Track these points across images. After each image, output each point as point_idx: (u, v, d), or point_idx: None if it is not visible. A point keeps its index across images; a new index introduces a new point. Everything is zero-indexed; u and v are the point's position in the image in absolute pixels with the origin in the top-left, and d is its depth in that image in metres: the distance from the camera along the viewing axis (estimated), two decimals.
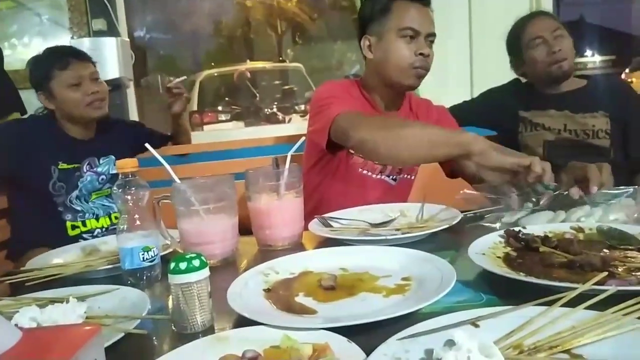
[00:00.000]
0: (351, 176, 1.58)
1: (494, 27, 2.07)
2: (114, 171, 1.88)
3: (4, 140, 1.83)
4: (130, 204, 1.04)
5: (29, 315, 0.78)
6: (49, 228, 1.82)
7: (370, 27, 1.56)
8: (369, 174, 1.59)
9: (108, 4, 3.02)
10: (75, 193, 1.86)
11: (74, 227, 1.86)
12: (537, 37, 1.85)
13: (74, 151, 1.88)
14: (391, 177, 1.63)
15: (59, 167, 1.84)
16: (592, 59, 7.70)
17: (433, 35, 1.52)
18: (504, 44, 2.03)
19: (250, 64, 7.58)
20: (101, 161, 1.92)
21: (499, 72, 2.09)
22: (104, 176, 1.91)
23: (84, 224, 1.88)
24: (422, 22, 1.49)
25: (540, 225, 1.11)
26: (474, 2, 3.07)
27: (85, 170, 1.88)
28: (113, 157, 1.93)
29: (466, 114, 2.01)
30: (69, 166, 1.86)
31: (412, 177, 1.68)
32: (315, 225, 1.29)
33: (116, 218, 1.86)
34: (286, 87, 7.33)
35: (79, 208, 1.87)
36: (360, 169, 1.58)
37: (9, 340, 0.46)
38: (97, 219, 1.90)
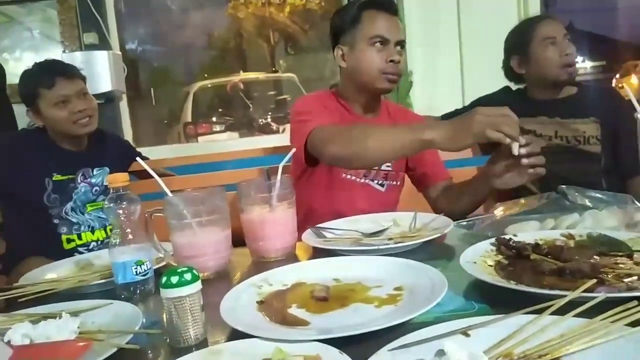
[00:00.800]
0: (336, 182, 1.62)
1: (483, 35, 2.09)
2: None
3: None
4: (122, 218, 1.04)
5: (21, 331, 0.78)
6: (44, 242, 1.81)
7: (342, 38, 1.62)
8: (353, 178, 1.63)
9: (99, 18, 3.03)
10: (70, 205, 1.85)
11: (69, 241, 1.85)
12: (550, 37, 1.85)
13: (68, 162, 1.88)
14: (376, 181, 1.66)
15: (53, 178, 1.83)
16: (583, 64, 7.74)
17: (402, 42, 1.60)
18: (494, 52, 2.05)
19: (243, 75, 7.59)
20: (95, 172, 1.92)
21: (490, 78, 2.10)
22: (97, 187, 1.91)
23: (79, 237, 1.87)
24: (391, 30, 1.56)
25: (531, 232, 1.12)
26: (462, 10, 3.10)
27: (79, 181, 1.88)
28: (107, 168, 1.93)
29: None
30: (64, 177, 1.85)
31: (399, 183, 1.72)
32: (308, 235, 1.30)
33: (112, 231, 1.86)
34: (280, 97, 7.35)
35: (74, 220, 1.86)
36: (344, 174, 1.62)
37: None
38: (92, 231, 1.89)
